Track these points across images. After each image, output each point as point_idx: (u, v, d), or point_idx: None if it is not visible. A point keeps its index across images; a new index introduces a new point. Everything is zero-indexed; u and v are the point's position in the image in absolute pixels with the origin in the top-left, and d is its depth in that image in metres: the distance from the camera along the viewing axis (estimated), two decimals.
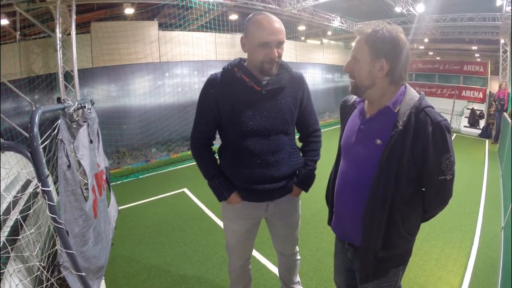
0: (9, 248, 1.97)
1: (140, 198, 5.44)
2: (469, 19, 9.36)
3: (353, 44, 1.51)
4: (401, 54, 1.39)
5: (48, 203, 1.67)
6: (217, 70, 1.97)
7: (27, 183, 3.25)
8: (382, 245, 1.49)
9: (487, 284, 3.18)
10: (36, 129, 1.63)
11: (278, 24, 1.72)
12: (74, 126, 2.79)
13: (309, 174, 2.13)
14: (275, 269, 3.40)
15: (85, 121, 3.21)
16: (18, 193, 2.65)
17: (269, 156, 1.93)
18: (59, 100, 2.82)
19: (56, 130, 2.24)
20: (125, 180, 6.44)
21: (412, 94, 1.43)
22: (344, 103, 1.77)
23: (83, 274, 1.94)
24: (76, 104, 2.82)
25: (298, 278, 2.59)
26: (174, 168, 7.23)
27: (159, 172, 6.96)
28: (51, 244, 2.57)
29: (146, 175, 6.73)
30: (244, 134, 1.89)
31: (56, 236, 2.34)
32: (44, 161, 1.69)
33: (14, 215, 2.41)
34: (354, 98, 1.69)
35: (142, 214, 4.88)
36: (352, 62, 1.47)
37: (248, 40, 1.77)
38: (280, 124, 1.92)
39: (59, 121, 2.33)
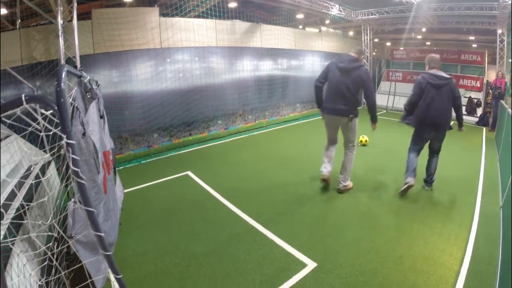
0: (8, 241, 1.98)
1: (144, 181, 5.48)
2: (467, 8, 9.42)
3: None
4: None
5: (72, 157, 1.70)
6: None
7: (29, 169, 3.26)
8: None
9: (488, 257, 3.29)
10: (63, 85, 1.68)
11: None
12: (88, 96, 2.81)
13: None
14: (283, 244, 3.55)
15: (94, 98, 3.23)
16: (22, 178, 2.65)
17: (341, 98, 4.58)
18: (76, 68, 2.85)
19: (71, 98, 2.27)
20: (128, 166, 6.47)
21: None
22: (424, 80, 4.50)
23: (102, 234, 1.95)
24: (88, 78, 2.85)
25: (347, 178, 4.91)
26: (176, 153, 7.27)
27: (161, 157, 7.00)
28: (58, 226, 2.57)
29: (148, 160, 6.77)
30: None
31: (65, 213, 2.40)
32: (69, 116, 1.73)
33: (18, 200, 2.43)
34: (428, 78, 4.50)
35: (147, 196, 4.93)
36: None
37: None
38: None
39: (75, 89, 2.36)
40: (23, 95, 1.61)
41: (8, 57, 5.35)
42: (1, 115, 1.64)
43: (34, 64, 5.70)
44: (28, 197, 2.51)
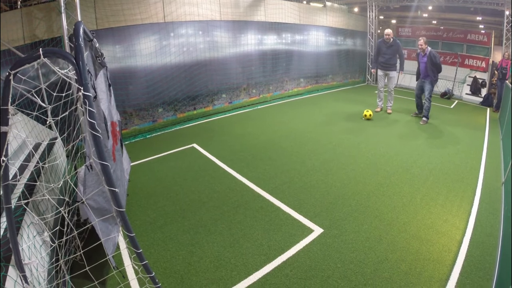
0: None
1: (150, 154, 5.53)
2: None
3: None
4: None
5: (88, 109, 1.71)
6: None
7: (36, 147, 3.27)
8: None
9: (490, 229, 3.37)
10: (80, 40, 1.72)
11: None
12: (99, 61, 2.80)
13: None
14: (290, 211, 3.64)
15: (104, 65, 3.23)
16: (28, 156, 2.68)
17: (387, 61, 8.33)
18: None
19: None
20: (133, 140, 6.51)
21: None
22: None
23: (116, 190, 1.93)
24: (98, 44, 2.85)
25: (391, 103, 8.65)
26: (181, 127, 7.30)
27: (166, 131, 7.04)
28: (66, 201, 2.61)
29: (153, 135, 6.81)
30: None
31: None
32: (86, 68, 1.75)
33: (28, 173, 2.45)
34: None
35: (154, 168, 4.98)
36: None
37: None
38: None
39: (87, 52, 2.36)
40: (40, 49, 1.60)
41: (10, 36, 5.27)
42: (19, 69, 1.64)
43: (37, 42, 5.62)
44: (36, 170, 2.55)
